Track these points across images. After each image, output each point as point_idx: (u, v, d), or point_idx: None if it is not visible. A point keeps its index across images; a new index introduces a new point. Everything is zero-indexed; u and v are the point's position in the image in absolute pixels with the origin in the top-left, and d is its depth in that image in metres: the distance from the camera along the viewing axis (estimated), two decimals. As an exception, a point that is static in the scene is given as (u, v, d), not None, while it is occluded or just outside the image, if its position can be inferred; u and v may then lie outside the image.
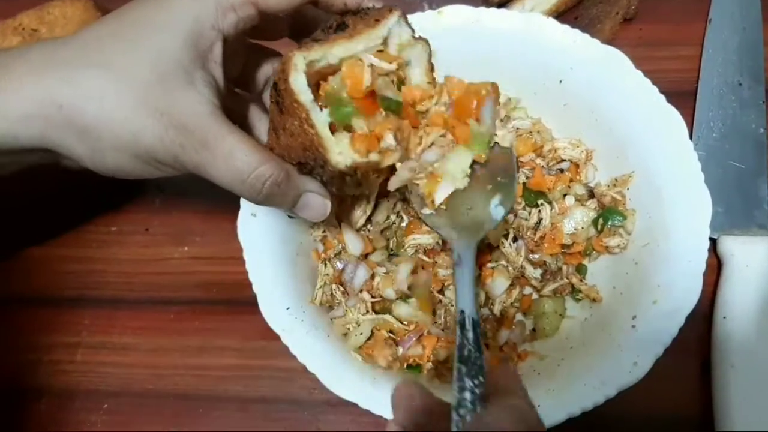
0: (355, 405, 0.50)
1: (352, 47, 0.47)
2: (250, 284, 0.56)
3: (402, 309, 0.59)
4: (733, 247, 0.63)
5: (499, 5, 0.78)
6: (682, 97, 0.66)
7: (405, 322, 0.58)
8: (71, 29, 0.77)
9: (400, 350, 0.58)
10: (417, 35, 0.50)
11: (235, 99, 0.56)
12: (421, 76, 0.51)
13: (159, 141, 0.45)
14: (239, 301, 0.67)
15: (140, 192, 0.74)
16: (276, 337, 0.53)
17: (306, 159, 0.48)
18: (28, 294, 0.70)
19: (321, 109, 0.46)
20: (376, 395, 0.51)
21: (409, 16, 0.63)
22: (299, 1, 0.49)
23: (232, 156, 0.45)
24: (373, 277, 0.60)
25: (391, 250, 0.63)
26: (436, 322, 0.59)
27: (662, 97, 0.59)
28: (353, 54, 0.47)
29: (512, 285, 0.60)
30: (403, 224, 0.63)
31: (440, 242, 0.61)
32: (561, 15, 0.78)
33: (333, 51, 0.46)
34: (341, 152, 0.46)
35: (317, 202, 0.51)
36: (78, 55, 0.45)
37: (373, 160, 0.48)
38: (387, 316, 0.58)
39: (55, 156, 0.48)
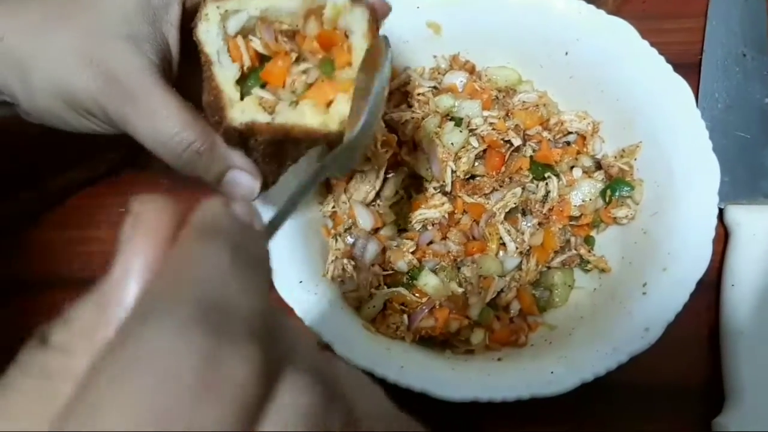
0: (371, 373, 0.51)
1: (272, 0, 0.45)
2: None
3: (430, 279, 0.59)
4: (740, 216, 0.64)
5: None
6: (687, 69, 0.65)
7: (418, 295, 0.59)
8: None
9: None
10: None
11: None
12: (360, 41, 0.46)
13: (85, 87, 0.44)
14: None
15: (148, 172, 0.74)
16: (289, 312, 0.53)
17: (214, 120, 0.46)
18: (38, 276, 0.70)
19: (233, 63, 0.45)
20: (390, 363, 0.51)
21: (414, -9, 0.64)
22: None
23: (156, 114, 0.43)
24: (384, 251, 0.60)
25: (399, 224, 0.63)
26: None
27: (669, 67, 0.59)
28: (276, 7, 0.45)
29: (523, 259, 0.61)
30: (411, 199, 0.64)
31: (446, 216, 0.62)
32: (564, -11, 0.78)
33: (252, 2, 0.45)
34: (244, 109, 0.44)
35: (245, 180, 0.47)
36: (28, 2, 0.46)
37: (278, 122, 0.44)
38: (400, 289, 0.58)
39: (6, 102, 0.48)
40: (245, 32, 0.46)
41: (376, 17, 0.46)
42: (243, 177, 0.47)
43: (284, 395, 0.19)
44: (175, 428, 0.16)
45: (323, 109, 0.45)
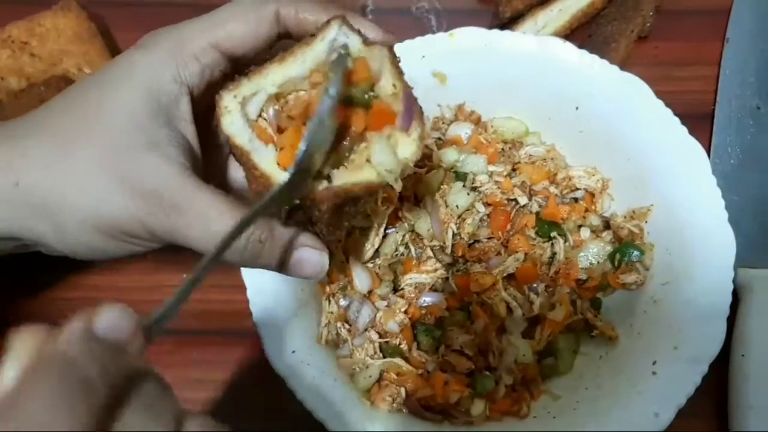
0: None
1: (285, 72, 0.42)
2: (250, 314, 0.53)
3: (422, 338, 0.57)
4: (752, 280, 0.61)
5: (510, 20, 0.76)
6: (699, 119, 0.64)
7: (413, 365, 0.56)
8: (64, 43, 0.74)
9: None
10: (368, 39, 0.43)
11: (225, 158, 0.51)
12: (387, 81, 0.42)
13: (124, 210, 0.40)
14: (239, 331, 0.64)
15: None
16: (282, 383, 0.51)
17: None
18: (25, 321, 0.67)
19: (266, 145, 0.42)
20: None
21: (419, 39, 0.61)
22: (265, 41, 0.45)
23: (206, 217, 0.40)
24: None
25: (395, 283, 0.61)
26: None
27: (684, 129, 0.57)
28: (291, 78, 0.42)
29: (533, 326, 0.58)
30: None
31: (441, 281, 0.59)
32: (574, 32, 0.75)
33: (267, 80, 0.42)
34: None
35: (313, 257, 0.44)
36: (30, 126, 0.42)
37: (337, 185, 0.41)
38: (397, 360, 0.55)
39: (27, 245, 0.44)
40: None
41: (395, 55, 0.43)
42: (311, 254, 0.44)
43: None
44: None
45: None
